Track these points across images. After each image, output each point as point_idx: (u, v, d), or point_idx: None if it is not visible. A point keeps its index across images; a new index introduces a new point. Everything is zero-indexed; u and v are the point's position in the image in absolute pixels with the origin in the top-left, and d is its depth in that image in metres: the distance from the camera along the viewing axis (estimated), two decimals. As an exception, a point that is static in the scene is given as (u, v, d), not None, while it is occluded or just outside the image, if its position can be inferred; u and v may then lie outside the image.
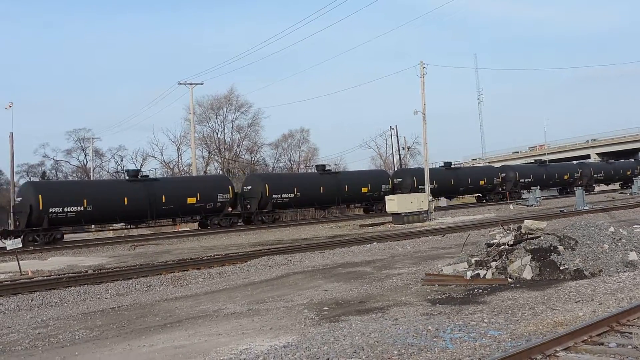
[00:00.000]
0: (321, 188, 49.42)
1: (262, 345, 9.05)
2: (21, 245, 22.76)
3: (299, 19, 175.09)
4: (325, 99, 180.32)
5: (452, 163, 62.71)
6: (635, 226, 23.19)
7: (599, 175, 75.26)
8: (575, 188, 53.33)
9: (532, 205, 49.33)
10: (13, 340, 11.05)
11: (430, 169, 53.83)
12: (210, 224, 44.26)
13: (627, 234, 15.19)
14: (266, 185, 46.28)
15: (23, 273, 21.34)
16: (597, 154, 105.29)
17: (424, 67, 45.52)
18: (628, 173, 77.18)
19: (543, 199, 55.43)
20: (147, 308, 13.61)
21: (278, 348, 8.76)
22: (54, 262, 26.07)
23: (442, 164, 62.22)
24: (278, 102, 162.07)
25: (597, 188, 76.71)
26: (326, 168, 53.89)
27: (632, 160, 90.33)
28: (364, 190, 51.67)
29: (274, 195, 46.34)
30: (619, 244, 14.17)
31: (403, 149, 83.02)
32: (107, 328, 11.61)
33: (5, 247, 22.72)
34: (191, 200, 42.99)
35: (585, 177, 72.56)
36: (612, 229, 14.95)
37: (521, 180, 64.56)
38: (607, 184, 78.57)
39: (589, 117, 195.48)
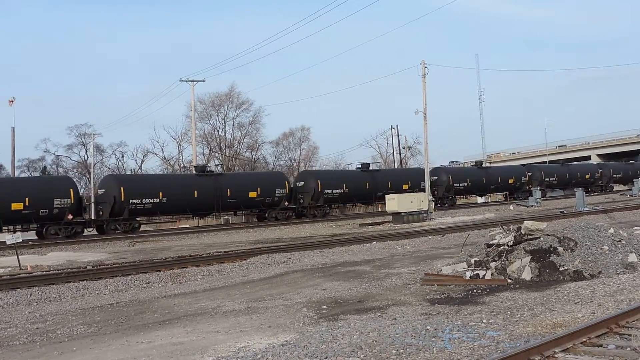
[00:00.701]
0: (367, 184, 52.27)
1: (261, 343, 9.04)
2: (21, 240, 22.75)
3: (301, 18, 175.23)
4: (326, 97, 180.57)
5: (459, 162, 63.97)
6: (635, 228, 23.16)
7: (617, 175, 77.29)
8: (576, 188, 53.34)
9: (532, 206, 49.31)
10: (11, 335, 11.05)
11: (463, 167, 56.97)
12: (269, 216, 46.47)
13: (627, 235, 15.17)
14: (318, 181, 49.04)
15: (22, 268, 21.34)
16: (598, 155, 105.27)
17: (425, 67, 45.46)
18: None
19: (543, 200, 55.39)
20: (146, 304, 13.60)
21: (276, 346, 8.75)
22: (53, 257, 26.07)
23: (474, 163, 64.23)
24: (279, 100, 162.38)
25: (616, 187, 78.58)
26: (370, 167, 56.77)
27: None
28: (405, 187, 53.51)
29: (326, 191, 49.02)
30: (619, 245, 14.15)
31: (404, 148, 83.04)
32: (105, 324, 11.61)
33: (5, 242, 22.65)
34: (252, 194, 45.89)
35: (605, 177, 75.02)
36: (612, 230, 14.94)
37: (546, 179, 67.21)
38: (625, 184, 79.16)
39: (590, 118, 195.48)
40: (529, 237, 14.70)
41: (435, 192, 54.80)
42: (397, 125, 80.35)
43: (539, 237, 14.55)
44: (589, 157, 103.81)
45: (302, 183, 49.81)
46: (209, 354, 8.67)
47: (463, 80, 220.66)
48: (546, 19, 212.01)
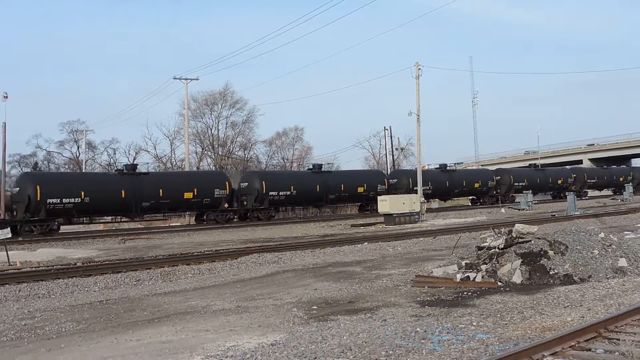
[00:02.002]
0: (317, 186, 49.82)
1: (250, 343, 9.02)
2: (10, 236, 22.63)
3: (296, 18, 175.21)
4: (320, 98, 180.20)
5: (448, 165, 63.15)
6: (626, 232, 23.27)
7: (592, 180, 75.40)
8: (567, 193, 53.46)
9: (523, 209, 49.43)
10: (-1, 331, 10.99)
11: (425, 170, 54.60)
12: (207, 219, 44.68)
13: (618, 240, 15.22)
14: (262, 182, 46.95)
15: (11, 264, 21.24)
16: (590, 159, 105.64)
17: (419, 69, 45.47)
18: (621, 179, 77.33)
19: (535, 203, 55.55)
20: (136, 302, 13.56)
21: (266, 346, 8.73)
22: (43, 254, 25.96)
23: (438, 166, 62.51)
24: (273, 99, 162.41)
25: (590, 193, 77.13)
26: (322, 168, 54.14)
27: (624, 166, 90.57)
28: (360, 189, 52.05)
29: (271, 192, 47.03)
30: (609, 250, 14.19)
31: (396, 149, 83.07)
32: (94, 321, 11.56)
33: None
34: (188, 195, 43.45)
35: (579, 182, 72.84)
36: (602, 234, 14.98)
37: (515, 183, 65.02)
38: (600, 190, 78.79)
39: (582, 123, 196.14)
40: (520, 240, 14.72)
41: (246, 202, 48.86)
42: (390, 127, 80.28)
43: (530, 241, 14.58)
44: (580, 162, 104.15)
45: (246, 184, 47.24)
46: (197, 352, 8.64)
47: (457, 83, 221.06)
48: (540, 23, 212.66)
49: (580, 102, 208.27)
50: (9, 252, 22.43)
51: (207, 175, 50.11)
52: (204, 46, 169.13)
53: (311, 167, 55.05)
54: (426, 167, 64.93)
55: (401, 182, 55.39)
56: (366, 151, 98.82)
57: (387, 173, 62.75)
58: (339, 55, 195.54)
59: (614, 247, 14.42)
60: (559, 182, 71.16)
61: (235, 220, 46.02)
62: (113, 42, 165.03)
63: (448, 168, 63.00)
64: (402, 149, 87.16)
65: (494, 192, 63.33)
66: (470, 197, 66.05)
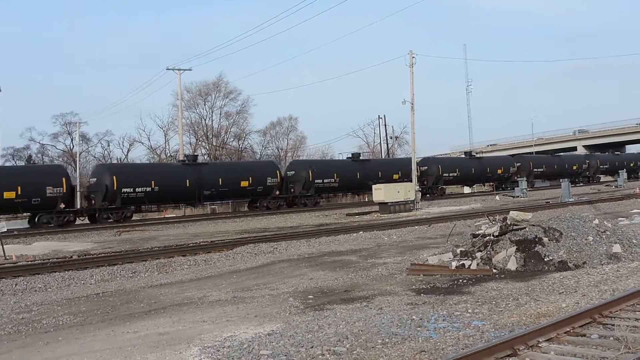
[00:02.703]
0: (357, 174, 52.55)
1: (247, 333, 9.05)
2: (5, 230, 22.61)
3: (289, 7, 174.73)
4: (314, 87, 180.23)
5: (449, 154, 64.58)
6: (620, 219, 23.36)
7: (604, 166, 77.82)
8: (561, 180, 53.75)
9: (518, 197, 49.51)
10: (-4, 325, 11.00)
11: (454, 157, 57.67)
12: (260, 205, 47.74)
13: (612, 226, 15.27)
14: (309, 170, 49.49)
15: (7, 257, 21.23)
16: (584, 146, 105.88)
17: (413, 57, 45.41)
18: (632, 165, 78.66)
19: (529, 190, 55.65)
20: (132, 294, 13.58)
21: (262, 336, 8.77)
22: (39, 247, 25.94)
23: (464, 153, 64.22)
24: (267, 89, 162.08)
25: (603, 178, 79.39)
26: (360, 157, 57.04)
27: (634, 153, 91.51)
28: (395, 176, 53.78)
29: (316, 180, 49.60)
30: (604, 236, 14.24)
31: (391, 138, 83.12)
32: (91, 314, 11.58)
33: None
34: (244, 183, 46.48)
35: (592, 168, 75.76)
36: (596, 221, 15.03)
37: (534, 169, 67.57)
38: (612, 175, 79.77)
39: (576, 110, 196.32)
40: (515, 227, 14.78)
41: (425, 182, 55.15)
42: (384, 115, 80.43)
43: (525, 228, 14.63)
44: (575, 148, 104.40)
45: (293, 172, 49.88)
46: (195, 343, 8.67)
47: (451, 71, 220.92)
48: (534, 10, 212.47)
49: (574, 89, 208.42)
50: (4, 246, 22.40)
51: (261, 165, 53.10)
52: (197, 36, 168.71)
53: (350, 156, 57.62)
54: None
55: (431, 169, 58.77)
56: (360, 140, 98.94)
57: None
58: (333, 44, 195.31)
59: (608, 233, 14.47)
60: (574, 167, 73.72)
61: (284, 206, 48.82)
62: (106, 33, 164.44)
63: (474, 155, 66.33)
64: (396, 137, 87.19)
65: (515, 178, 63.83)
66: (492, 183, 66.94)
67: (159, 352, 8.35)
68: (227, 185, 45.38)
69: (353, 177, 52.56)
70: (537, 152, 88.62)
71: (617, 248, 13.81)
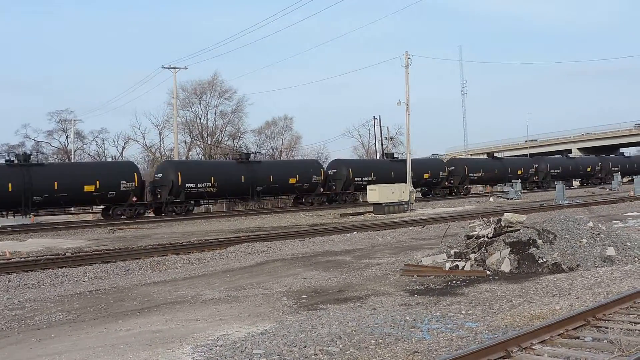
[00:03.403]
0: (392, 173, 53.88)
1: (240, 332, 9.04)
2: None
3: (285, 6, 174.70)
4: (309, 87, 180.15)
5: (439, 155, 64.94)
6: (614, 221, 23.41)
7: (616, 168, 78.69)
8: (556, 182, 53.98)
9: (512, 199, 49.56)
10: (-12, 322, 10.96)
11: (478, 159, 64.44)
12: (305, 202, 50.04)
13: (606, 229, 15.28)
14: (349, 169, 51.97)
15: (1, 254, 21.17)
16: (579, 148, 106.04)
17: (408, 58, 45.43)
18: (588, 169, 79.11)
19: (523, 192, 55.68)
20: (125, 292, 13.55)
21: (255, 335, 8.75)
22: (32, 244, 25.87)
23: (486, 155, 65.52)
24: (262, 89, 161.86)
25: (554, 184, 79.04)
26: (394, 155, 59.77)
27: (594, 156, 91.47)
28: (425, 176, 56.85)
29: (356, 178, 51.92)
30: (598, 239, 14.26)
31: (386, 139, 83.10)
32: (84, 311, 11.55)
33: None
34: (292, 180, 49.10)
35: (604, 170, 77.20)
36: (591, 223, 15.05)
37: (552, 171, 69.73)
38: (623, 177, 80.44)
39: (571, 112, 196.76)
40: (509, 229, 14.79)
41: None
42: (379, 116, 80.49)
43: (519, 230, 14.64)
44: (569, 151, 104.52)
45: (335, 171, 52.15)
46: (187, 342, 8.65)
47: (446, 72, 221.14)
48: (531, 12, 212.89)
49: (570, 92, 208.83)
50: (-3, 242, 22.35)
51: (306, 164, 54.72)
52: (193, 35, 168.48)
53: (386, 155, 61.12)
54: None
55: (457, 170, 60.58)
56: (355, 140, 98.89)
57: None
58: (329, 44, 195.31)
59: (602, 236, 14.49)
60: (588, 169, 75.69)
61: (325, 202, 50.88)
62: (102, 31, 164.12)
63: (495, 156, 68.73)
64: (391, 138, 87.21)
65: (534, 179, 67.35)
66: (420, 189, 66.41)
67: (151, 350, 8.32)
68: (277, 182, 47.93)
69: (388, 175, 53.72)
70: (531, 155, 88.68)
71: (611, 251, 13.83)
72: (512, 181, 53.98)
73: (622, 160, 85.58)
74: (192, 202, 44.62)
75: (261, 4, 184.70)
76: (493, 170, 64.81)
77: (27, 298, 13.27)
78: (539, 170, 69.20)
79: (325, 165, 57.20)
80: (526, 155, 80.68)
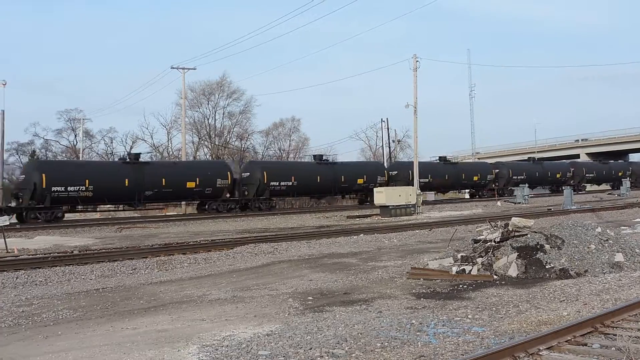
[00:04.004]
0: (318, 177, 52.84)
1: (246, 333, 9.04)
2: (8, 223, 22.60)
3: (294, 8, 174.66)
4: (317, 89, 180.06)
5: (447, 157, 64.61)
6: (623, 227, 23.31)
7: (590, 174, 76.43)
8: (564, 187, 53.95)
9: (519, 203, 49.45)
10: (-4, 318, 10.99)
11: (426, 162, 60.03)
12: (209, 208, 47.38)
13: (615, 235, 15.21)
14: (264, 172, 49.19)
15: (9, 251, 21.23)
16: (587, 153, 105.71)
17: (416, 61, 45.36)
18: (620, 174, 77.94)
19: (531, 197, 55.58)
20: (132, 291, 13.57)
21: (261, 336, 8.75)
22: (40, 241, 25.94)
23: (438, 158, 63.66)
24: (270, 90, 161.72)
25: (588, 188, 78.47)
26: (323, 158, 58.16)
27: (622, 161, 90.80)
28: (360, 181, 54.82)
29: (272, 183, 49.62)
30: (606, 244, 14.20)
31: (393, 141, 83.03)
32: (90, 309, 11.57)
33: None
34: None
35: (577, 177, 73.98)
36: (599, 229, 14.99)
37: (514, 177, 66.09)
38: (599, 184, 79.41)
39: (580, 117, 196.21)
40: (516, 233, 14.75)
41: (497, 184, 59.07)
42: (387, 119, 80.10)
43: (526, 234, 14.60)
44: (578, 156, 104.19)
45: (248, 174, 48.41)
46: (193, 342, 8.65)
47: (455, 76, 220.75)
48: (539, 15, 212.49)
49: (579, 97, 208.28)
50: (6, 240, 22.41)
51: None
52: (202, 36, 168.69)
53: (438, 158, 63.14)
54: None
55: (502, 172, 62.65)
56: (362, 143, 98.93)
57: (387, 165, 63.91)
58: (337, 46, 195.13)
59: (610, 242, 14.43)
60: (558, 175, 72.53)
61: (236, 209, 49.19)
62: (111, 31, 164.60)
63: (448, 160, 65.34)
64: (399, 141, 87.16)
65: (493, 186, 64.12)
66: (468, 190, 66.86)
67: (157, 349, 8.33)
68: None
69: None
70: (539, 159, 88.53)
71: (619, 257, 13.78)
72: (520, 185, 53.95)
73: (598, 166, 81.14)
74: (274, 199, 49.29)
75: (270, 5, 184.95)
76: (535, 173, 66.53)
77: (35, 295, 13.31)
78: (499, 176, 65.45)
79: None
80: (534, 159, 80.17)
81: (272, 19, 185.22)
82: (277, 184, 47.57)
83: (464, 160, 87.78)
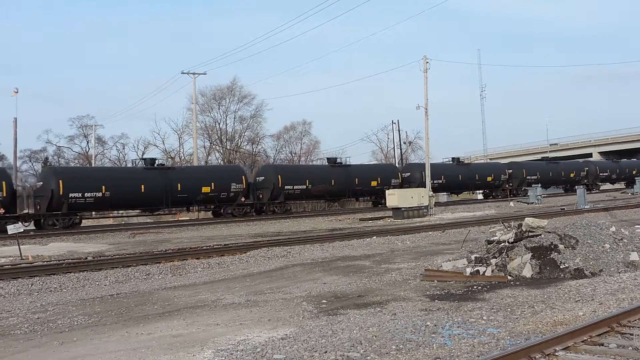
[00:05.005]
0: (332, 180, 53.54)
1: (260, 337, 9.04)
2: (22, 230, 22.74)
3: (304, 11, 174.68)
4: (328, 91, 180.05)
5: (460, 158, 63.91)
6: (637, 226, 23.16)
7: (604, 174, 76.06)
8: (577, 187, 53.74)
9: (532, 203, 49.24)
10: (12, 324, 11.06)
11: (439, 164, 59.64)
12: (224, 213, 47.74)
13: (629, 234, 15.14)
14: (279, 176, 49.69)
15: (23, 257, 21.35)
16: (600, 152, 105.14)
17: (427, 62, 45.36)
18: (634, 172, 77.56)
19: (545, 197, 55.36)
20: (146, 296, 13.61)
21: (276, 340, 8.75)
22: (54, 248, 26.07)
23: (451, 159, 63.35)
24: (281, 94, 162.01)
25: (602, 187, 78.08)
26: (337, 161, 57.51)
27: (635, 159, 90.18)
28: (373, 183, 54.04)
29: (287, 187, 49.76)
30: (621, 244, 14.12)
31: (404, 143, 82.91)
32: (105, 315, 11.62)
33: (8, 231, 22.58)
34: (374, 183, 52.77)
35: (591, 176, 73.48)
36: (613, 228, 14.91)
37: (528, 177, 65.69)
38: (613, 183, 78.96)
39: (592, 116, 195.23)
40: (530, 234, 14.70)
41: (511, 184, 59.51)
42: (398, 120, 80.00)
43: (540, 235, 14.55)
44: (590, 155, 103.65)
45: (262, 178, 48.65)
46: (208, 346, 8.66)
47: (465, 76, 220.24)
48: (549, 15, 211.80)
49: (590, 96, 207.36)
50: (21, 246, 22.54)
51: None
52: (212, 41, 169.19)
53: (451, 159, 62.79)
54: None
55: (414, 176, 57.79)
56: (374, 145, 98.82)
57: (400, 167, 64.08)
58: (347, 48, 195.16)
59: (625, 241, 14.35)
60: (572, 175, 72.01)
61: (252, 213, 49.74)
62: (122, 37, 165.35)
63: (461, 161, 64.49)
64: (410, 142, 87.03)
65: (506, 186, 63.86)
66: (481, 191, 66.90)
67: (172, 354, 8.35)
68: (186, 192, 45.67)
69: (327, 183, 52.55)
70: (552, 159, 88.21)
71: (634, 256, 13.70)
72: (533, 185, 53.81)
73: (611, 165, 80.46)
74: (290, 202, 49.76)
75: (279, 9, 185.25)
76: (548, 173, 66.03)
77: (50, 301, 13.37)
78: (513, 176, 64.99)
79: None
80: (548, 159, 79.82)
81: (281, 22, 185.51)
82: (292, 187, 47.91)
83: (476, 161, 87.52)
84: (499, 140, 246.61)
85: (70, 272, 17.51)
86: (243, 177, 46.65)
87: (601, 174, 74.62)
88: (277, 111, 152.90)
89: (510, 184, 61.74)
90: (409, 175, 55.56)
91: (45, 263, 19.75)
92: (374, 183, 52.53)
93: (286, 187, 47.41)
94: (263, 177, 48.13)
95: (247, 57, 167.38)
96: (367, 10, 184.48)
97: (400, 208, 38.84)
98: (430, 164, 50.38)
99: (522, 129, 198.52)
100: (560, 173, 68.90)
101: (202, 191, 43.69)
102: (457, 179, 59.06)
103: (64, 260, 20.50)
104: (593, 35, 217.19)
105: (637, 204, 40.68)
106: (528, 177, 64.20)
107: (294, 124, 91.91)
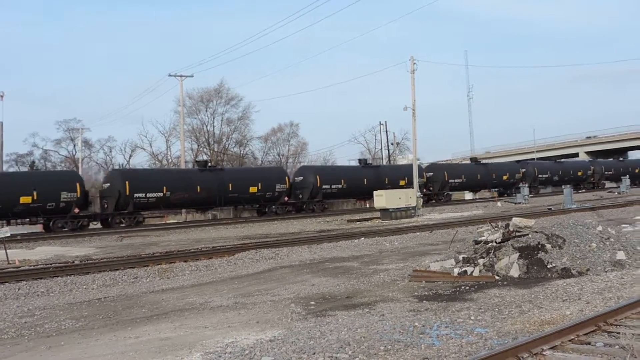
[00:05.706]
0: (365, 180, 55.80)
1: (248, 339, 9.02)
2: (9, 235, 22.61)
3: (291, 13, 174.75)
4: (315, 93, 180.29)
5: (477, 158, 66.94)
6: (624, 225, 23.30)
7: (609, 172, 79.01)
8: (564, 187, 54.19)
9: (520, 203, 49.37)
10: (-2, 330, 10.99)
11: (459, 164, 65.75)
12: (268, 211, 50.22)
13: (616, 233, 15.20)
14: (317, 176, 52.40)
15: (10, 262, 21.23)
16: (586, 152, 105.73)
17: (414, 63, 45.36)
18: (637, 171, 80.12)
19: (531, 197, 55.60)
20: (134, 299, 13.56)
21: (264, 342, 8.74)
22: (41, 252, 25.93)
23: (470, 159, 66.71)
24: (268, 95, 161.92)
25: (607, 185, 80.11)
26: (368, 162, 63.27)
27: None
28: (402, 182, 56.37)
29: (324, 186, 52.70)
30: (607, 243, 14.19)
31: (392, 144, 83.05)
32: (93, 318, 11.56)
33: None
34: (402, 182, 54.74)
35: (597, 174, 77.71)
36: (600, 227, 14.97)
37: (539, 175, 70.11)
38: (617, 181, 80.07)
39: (578, 116, 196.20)
40: (517, 234, 14.73)
41: (431, 188, 58.75)
42: (385, 122, 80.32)
43: (527, 234, 14.58)
44: (577, 155, 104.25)
45: (301, 178, 52.02)
46: (196, 349, 8.64)
47: (452, 77, 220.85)
48: (536, 17, 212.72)
49: (576, 96, 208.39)
50: (7, 251, 22.40)
51: (269, 171, 56.98)
52: (199, 43, 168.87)
53: (470, 160, 66.73)
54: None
55: (437, 175, 61.05)
56: (361, 146, 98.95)
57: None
58: (334, 50, 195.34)
59: (612, 240, 14.42)
60: (579, 173, 76.00)
61: (292, 212, 51.72)
62: (108, 40, 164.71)
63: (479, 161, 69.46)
64: (397, 143, 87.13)
65: (520, 184, 65.87)
66: (497, 189, 69.33)
67: (160, 357, 8.33)
68: (236, 191, 48.35)
69: (360, 182, 55.58)
70: (538, 159, 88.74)
71: (621, 255, 13.77)
72: (520, 185, 54.29)
73: (617, 164, 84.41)
74: (327, 201, 53.64)
75: (266, 11, 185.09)
76: (476, 176, 65.33)
77: (37, 306, 13.30)
78: (526, 175, 68.40)
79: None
80: (533, 159, 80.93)
81: (268, 24, 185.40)
82: (329, 187, 51.34)
83: (493, 161, 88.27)
84: (485, 141, 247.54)
85: (58, 276, 17.42)
86: (286, 177, 50.43)
87: (607, 172, 77.77)
88: (264, 113, 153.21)
89: (524, 182, 62.96)
90: (432, 175, 58.99)
91: (32, 267, 19.63)
92: (402, 182, 54.74)
93: (324, 186, 50.96)
94: (302, 177, 51.39)
95: (234, 59, 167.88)
96: (355, 11, 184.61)
97: (388, 209, 38.88)
98: (450, 164, 51.72)
99: (508, 130, 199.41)
100: (569, 172, 72.27)
101: (250, 191, 46.98)
102: (475, 178, 62.07)
103: (51, 264, 20.40)
104: (581, 37, 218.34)
105: (624, 203, 40.87)
106: (539, 176, 68.09)
107: (281, 125, 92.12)
